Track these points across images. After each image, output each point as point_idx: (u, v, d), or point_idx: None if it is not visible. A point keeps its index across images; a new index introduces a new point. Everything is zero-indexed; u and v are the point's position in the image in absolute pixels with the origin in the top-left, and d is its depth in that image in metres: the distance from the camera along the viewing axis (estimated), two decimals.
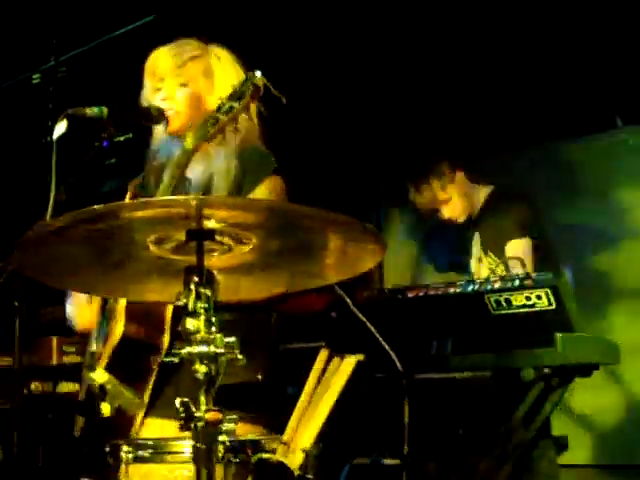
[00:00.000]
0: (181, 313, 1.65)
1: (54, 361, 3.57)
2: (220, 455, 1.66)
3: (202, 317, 1.62)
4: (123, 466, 1.83)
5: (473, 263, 3.75)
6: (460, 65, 4.41)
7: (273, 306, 2.43)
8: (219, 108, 2.09)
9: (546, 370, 2.83)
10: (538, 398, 2.92)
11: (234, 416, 1.66)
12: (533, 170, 4.60)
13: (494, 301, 2.81)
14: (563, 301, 2.74)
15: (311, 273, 1.86)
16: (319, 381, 1.92)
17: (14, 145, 4.40)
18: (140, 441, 2.02)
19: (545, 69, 4.28)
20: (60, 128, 2.29)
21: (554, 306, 2.73)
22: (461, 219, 3.77)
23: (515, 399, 2.94)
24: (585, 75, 4.22)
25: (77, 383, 2.43)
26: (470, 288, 2.90)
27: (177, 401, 1.60)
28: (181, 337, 1.63)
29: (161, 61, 2.45)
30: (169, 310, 2.19)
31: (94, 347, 2.36)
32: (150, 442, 1.92)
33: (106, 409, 2.09)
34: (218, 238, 1.65)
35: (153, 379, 2.19)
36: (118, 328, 2.21)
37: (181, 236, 1.65)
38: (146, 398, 2.19)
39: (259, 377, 2.31)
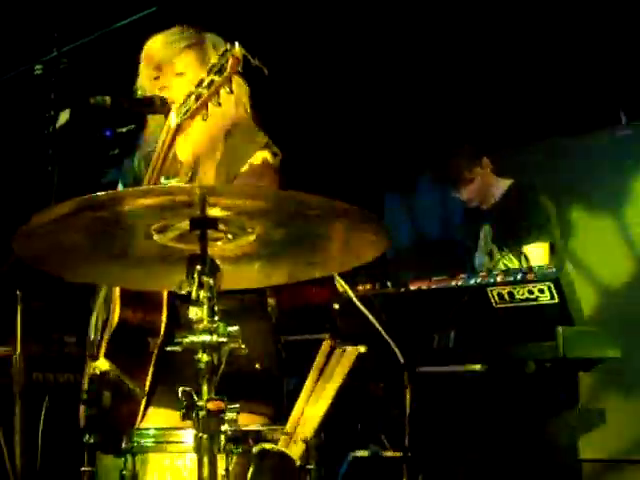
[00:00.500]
0: (176, 295, 1.63)
1: (55, 351, 3.57)
2: (222, 445, 1.65)
3: (205, 306, 1.61)
4: (125, 455, 1.83)
5: (478, 255, 3.72)
6: (463, 60, 4.40)
7: (272, 296, 2.42)
8: (200, 83, 2.08)
9: (547, 364, 2.84)
10: (539, 391, 2.92)
11: (236, 406, 1.66)
12: (534, 168, 4.60)
13: (497, 294, 2.81)
14: (565, 295, 2.74)
15: (314, 263, 1.86)
16: (321, 372, 1.92)
17: (16, 136, 4.39)
18: (142, 430, 2.02)
19: (549, 66, 4.27)
20: (63, 118, 2.29)
21: (556, 300, 2.74)
22: (474, 204, 3.75)
23: (516, 392, 2.94)
24: (589, 71, 4.21)
25: (78, 373, 2.43)
26: (473, 281, 2.90)
27: (179, 390, 1.60)
28: (178, 319, 1.62)
29: (158, 49, 2.44)
30: (164, 291, 2.18)
31: (92, 336, 2.36)
32: (152, 431, 1.92)
33: (107, 399, 2.09)
34: (222, 227, 1.65)
35: (153, 363, 2.18)
36: (115, 313, 2.20)
37: (185, 224, 1.64)
38: (147, 384, 2.18)
39: (257, 366, 2.30)
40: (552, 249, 3.50)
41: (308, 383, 1.90)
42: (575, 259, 4.33)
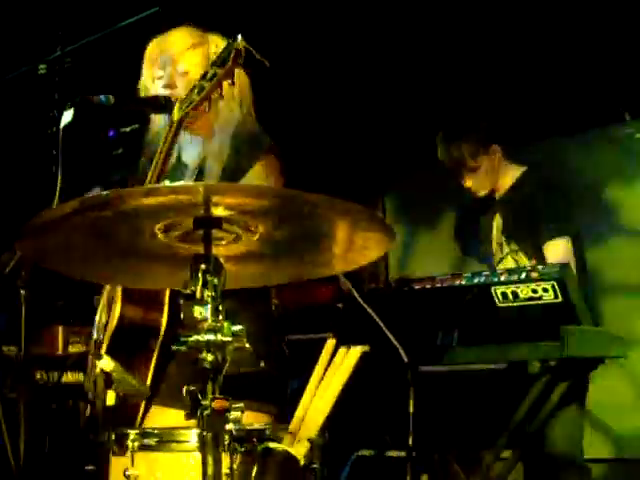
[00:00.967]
0: (178, 294, 1.64)
1: (60, 351, 3.58)
2: (226, 444, 1.66)
3: (209, 305, 1.61)
4: (129, 454, 1.83)
5: (486, 247, 3.57)
6: (465, 57, 4.40)
7: (276, 295, 2.43)
8: (204, 76, 2.09)
9: (552, 363, 2.83)
10: (543, 391, 2.91)
11: (241, 405, 1.66)
12: (539, 163, 4.59)
13: (500, 293, 2.80)
14: (569, 294, 2.74)
15: (318, 262, 1.86)
16: (325, 371, 1.92)
17: (20, 135, 4.40)
18: (147, 429, 2.02)
19: (552, 63, 4.27)
20: (67, 117, 2.29)
21: (560, 299, 2.73)
22: (481, 193, 3.52)
23: (521, 392, 2.94)
24: (593, 69, 4.21)
25: (82, 373, 2.43)
26: (476, 280, 2.89)
27: (184, 389, 1.60)
28: (179, 318, 1.62)
29: (162, 49, 2.45)
30: (166, 290, 2.18)
31: (95, 335, 2.36)
32: (156, 430, 1.92)
33: (111, 398, 2.09)
34: (226, 226, 1.65)
35: (154, 362, 2.18)
36: (116, 313, 2.21)
37: (189, 224, 1.64)
38: (148, 382, 2.18)
39: (262, 365, 2.30)
40: (577, 240, 3.31)
41: (312, 382, 1.90)
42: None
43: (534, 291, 2.77)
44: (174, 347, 1.63)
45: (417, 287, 3.02)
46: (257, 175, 2.29)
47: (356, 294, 2.72)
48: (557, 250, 3.26)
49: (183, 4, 4.18)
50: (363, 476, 3.50)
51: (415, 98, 4.65)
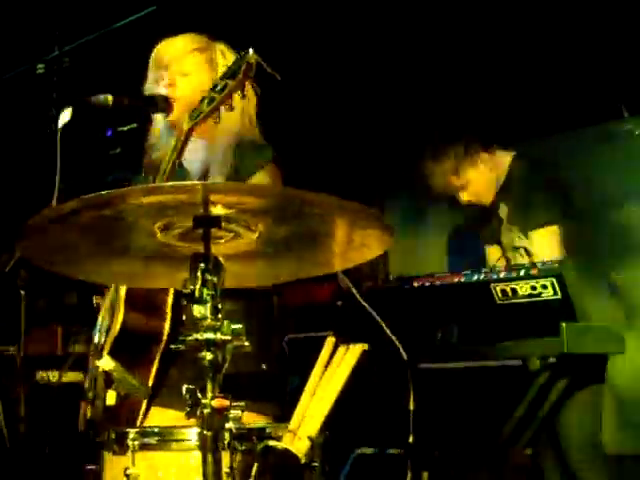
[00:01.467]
0: (181, 301, 1.64)
1: (59, 350, 3.58)
2: (226, 442, 1.66)
3: (209, 304, 1.61)
4: (129, 454, 1.83)
5: (503, 234, 3.44)
6: (465, 58, 4.40)
7: (276, 295, 2.43)
8: (214, 87, 2.09)
9: (551, 360, 2.83)
10: (543, 388, 2.92)
11: (241, 403, 1.66)
12: (537, 161, 4.59)
13: (500, 290, 2.80)
14: (569, 291, 2.73)
15: (317, 261, 1.86)
16: (325, 370, 1.92)
17: (18, 135, 4.40)
18: (147, 428, 2.02)
19: (549, 59, 4.27)
20: (65, 116, 2.29)
21: (560, 295, 2.73)
22: (487, 200, 3.43)
23: (520, 389, 2.94)
24: (590, 65, 4.21)
25: (82, 372, 2.43)
26: (475, 277, 2.89)
27: (183, 388, 1.60)
28: (181, 325, 1.63)
29: (166, 51, 2.46)
30: (169, 298, 2.19)
31: (97, 339, 2.36)
32: (156, 429, 1.92)
33: (112, 397, 2.09)
34: (225, 225, 1.65)
35: (155, 368, 2.18)
36: (119, 318, 2.21)
37: (188, 223, 1.64)
38: (149, 384, 2.18)
39: (264, 367, 2.31)
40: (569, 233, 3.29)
41: (312, 380, 1.91)
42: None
43: (533, 288, 2.77)
44: (174, 346, 1.63)
45: (416, 285, 3.02)
46: (258, 183, 2.29)
47: (355, 292, 2.72)
48: (542, 239, 3.25)
49: (180, 3, 4.19)
50: (363, 474, 3.50)
51: (416, 101, 4.65)
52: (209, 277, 1.63)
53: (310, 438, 1.83)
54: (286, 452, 1.81)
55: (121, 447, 1.86)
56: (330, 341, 1.94)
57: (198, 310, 1.61)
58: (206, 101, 2.11)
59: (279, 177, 2.37)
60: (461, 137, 3.42)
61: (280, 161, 2.38)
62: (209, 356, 1.60)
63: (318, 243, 1.78)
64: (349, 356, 1.91)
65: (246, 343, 1.63)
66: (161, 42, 2.50)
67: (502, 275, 2.84)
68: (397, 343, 2.68)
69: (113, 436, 1.88)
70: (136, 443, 1.84)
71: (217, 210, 1.61)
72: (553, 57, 4.26)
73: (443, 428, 3.21)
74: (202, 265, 1.63)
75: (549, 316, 2.74)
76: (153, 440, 1.86)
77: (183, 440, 1.84)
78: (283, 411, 2.24)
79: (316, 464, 1.85)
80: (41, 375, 3.31)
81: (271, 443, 1.81)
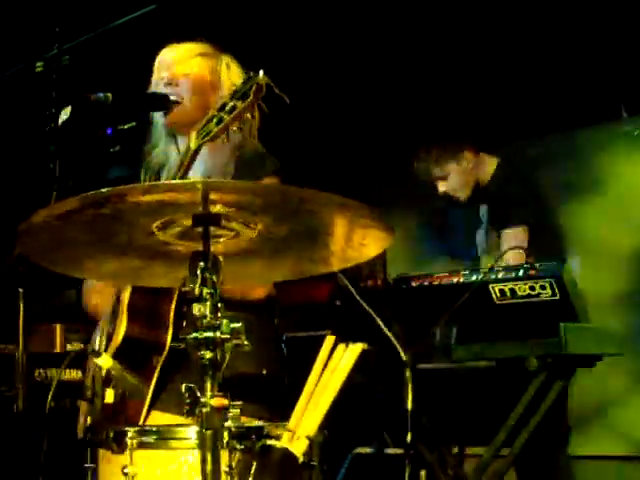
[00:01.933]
0: (184, 311, 1.64)
1: (58, 349, 3.57)
2: (225, 441, 1.66)
3: (208, 303, 1.61)
4: (128, 452, 1.83)
5: (482, 234, 3.66)
6: (464, 56, 4.40)
7: (277, 300, 2.43)
8: (222, 107, 2.08)
9: (549, 360, 2.83)
10: (541, 388, 2.92)
11: (239, 403, 1.66)
12: (535, 162, 4.59)
13: (498, 291, 2.81)
14: (567, 291, 2.74)
15: (317, 259, 1.86)
16: (324, 369, 1.92)
17: (17, 133, 4.40)
18: (145, 427, 2.02)
19: (550, 59, 4.27)
20: (64, 115, 2.29)
21: (558, 296, 2.74)
22: (462, 196, 3.64)
23: (519, 389, 2.94)
24: (589, 65, 4.21)
25: (81, 371, 2.43)
26: (474, 277, 2.90)
27: (182, 386, 1.60)
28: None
29: (171, 54, 2.47)
30: (172, 309, 2.18)
31: (97, 343, 2.36)
32: (155, 428, 1.92)
33: (110, 395, 2.09)
34: (224, 223, 1.65)
35: (156, 377, 2.18)
36: (121, 328, 2.21)
37: (187, 221, 1.64)
38: (149, 393, 2.18)
39: (264, 372, 2.31)
40: (535, 236, 3.40)
41: (311, 380, 1.90)
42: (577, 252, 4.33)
43: (532, 288, 2.78)
44: (173, 344, 1.63)
45: (415, 284, 3.02)
46: None
47: (354, 291, 2.72)
48: (516, 235, 3.37)
49: (181, 2, 4.18)
50: (362, 473, 3.50)
51: (417, 96, 4.66)
52: (208, 275, 1.62)
53: (309, 437, 1.82)
54: (285, 451, 1.80)
55: (119, 446, 1.86)
56: (329, 340, 1.93)
57: (197, 308, 1.61)
58: (215, 120, 2.08)
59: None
60: (452, 134, 3.67)
61: (282, 172, 2.37)
62: (208, 354, 1.60)
63: (317, 242, 1.77)
64: (348, 356, 1.91)
65: (245, 342, 1.63)
66: (166, 47, 2.50)
67: (501, 275, 2.84)
68: (395, 343, 2.68)
69: (111, 435, 1.88)
70: (134, 442, 1.83)
71: (216, 209, 1.61)
72: (551, 58, 4.27)
73: (441, 428, 3.21)
74: (201, 264, 1.63)
75: (547, 317, 2.75)
76: (151, 439, 1.86)
77: (182, 439, 1.84)
78: (282, 415, 2.24)
79: (314, 463, 1.84)
80: (39, 373, 3.31)
81: (270, 442, 1.81)
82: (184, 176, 2.19)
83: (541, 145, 4.64)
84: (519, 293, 2.80)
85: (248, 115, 2.06)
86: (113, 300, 2.33)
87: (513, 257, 3.30)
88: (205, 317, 1.60)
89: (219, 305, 1.62)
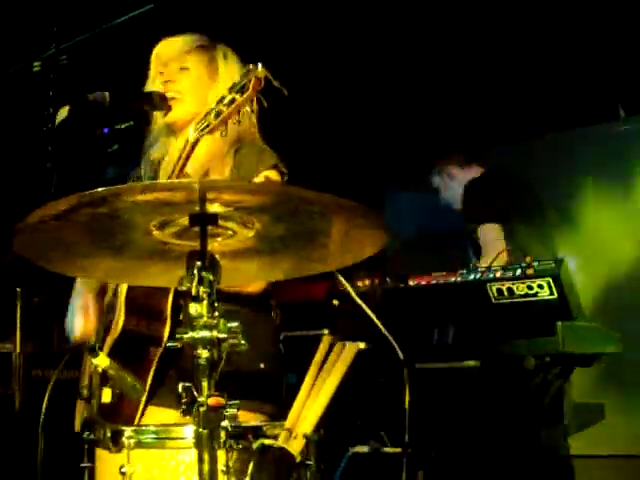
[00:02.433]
0: (180, 304, 1.64)
1: (55, 348, 3.57)
2: (222, 440, 1.65)
3: (205, 302, 1.61)
4: (125, 451, 1.83)
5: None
6: (462, 56, 4.40)
7: (274, 296, 2.43)
8: (221, 100, 2.07)
9: (547, 359, 2.84)
10: (539, 386, 2.92)
11: (236, 402, 1.66)
12: (534, 161, 4.60)
13: (496, 290, 2.81)
14: (565, 290, 2.74)
15: (314, 259, 1.86)
16: (321, 368, 1.92)
17: (15, 133, 4.40)
18: (142, 426, 2.02)
19: (547, 59, 4.27)
20: (62, 114, 2.28)
21: (556, 295, 2.74)
22: (457, 206, 3.76)
23: (516, 388, 2.95)
24: (587, 65, 4.21)
25: (78, 370, 2.43)
26: (472, 277, 2.90)
27: (179, 386, 1.60)
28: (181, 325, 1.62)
29: (167, 48, 2.45)
30: (169, 302, 2.18)
31: (93, 337, 2.36)
32: (152, 427, 1.92)
33: (107, 395, 2.09)
34: (221, 222, 1.64)
35: (153, 369, 2.18)
36: (119, 322, 2.21)
37: (184, 220, 1.64)
38: (147, 388, 2.18)
39: (262, 366, 2.31)
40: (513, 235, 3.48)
41: (308, 379, 1.90)
42: (576, 251, 4.33)
43: (529, 287, 2.78)
44: (170, 344, 1.63)
45: (412, 284, 3.02)
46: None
47: (351, 291, 2.72)
48: (489, 231, 3.45)
49: (178, 1, 4.18)
50: (359, 473, 3.50)
51: (418, 95, 4.66)
52: (205, 275, 1.62)
53: (306, 436, 1.82)
54: (281, 450, 1.80)
55: (116, 445, 1.86)
56: (326, 340, 1.94)
57: (194, 308, 1.61)
58: (213, 114, 2.08)
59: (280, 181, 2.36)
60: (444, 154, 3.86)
61: (283, 165, 2.37)
62: (205, 354, 1.60)
63: (315, 241, 1.77)
64: (345, 355, 1.91)
65: (242, 341, 1.63)
66: (162, 40, 2.49)
67: (498, 275, 2.84)
68: (393, 342, 2.68)
69: (109, 434, 1.88)
70: (132, 441, 1.84)
71: (214, 208, 1.61)
72: (549, 58, 4.27)
73: (439, 428, 3.21)
74: (198, 263, 1.63)
75: (545, 316, 2.75)
76: (149, 438, 1.86)
77: (179, 438, 1.84)
78: (280, 410, 2.24)
79: (311, 462, 1.85)
80: (37, 372, 3.31)
81: (267, 441, 1.81)
82: (182, 169, 2.18)
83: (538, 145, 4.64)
84: (517, 292, 2.80)
85: (247, 108, 2.05)
86: (110, 295, 2.33)
87: (492, 252, 3.35)
88: (202, 316, 1.60)
89: (216, 304, 1.62)
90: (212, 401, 1.59)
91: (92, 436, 1.95)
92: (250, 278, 1.99)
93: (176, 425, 1.88)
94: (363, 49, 4.44)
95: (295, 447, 1.82)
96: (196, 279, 1.62)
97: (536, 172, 4.41)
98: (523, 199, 3.68)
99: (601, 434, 4.20)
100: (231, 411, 1.65)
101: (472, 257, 3.67)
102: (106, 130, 2.61)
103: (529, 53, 4.27)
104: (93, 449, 1.97)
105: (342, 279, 2.74)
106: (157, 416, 2.21)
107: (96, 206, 1.56)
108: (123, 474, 1.82)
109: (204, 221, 1.63)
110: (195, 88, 2.39)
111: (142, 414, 2.19)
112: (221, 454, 1.66)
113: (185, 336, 1.61)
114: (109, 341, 2.22)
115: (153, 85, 2.44)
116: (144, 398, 2.17)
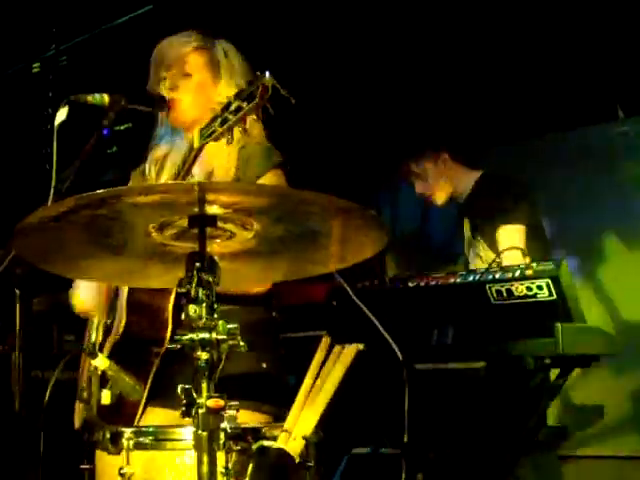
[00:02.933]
0: (182, 305, 1.64)
1: (54, 349, 3.57)
2: (221, 442, 1.66)
3: (204, 303, 1.61)
4: (124, 453, 1.83)
5: (465, 247, 3.73)
6: (459, 56, 4.40)
7: (274, 296, 2.43)
8: (227, 107, 2.06)
9: (546, 360, 2.84)
10: (538, 388, 2.92)
11: (236, 403, 1.66)
12: (534, 161, 4.59)
13: (495, 291, 2.81)
14: (564, 291, 2.74)
15: (313, 260, 1.86)
16: (320, 370, 1.92)
17: (14, 134, 4.40)
18: (142, 428, 2.02)
19: (545, 59, 4.27)
20: (61, 115, 2.29)
21: (555, 296, 2.73)
22: (439, 202, 3.70)
23: (515, 389, 2.94)
24: (586, 65, 4.21)
25: (77, 371, 2.43)
26: (471, 278, 2.89)
27: (179, 388, 1.60)
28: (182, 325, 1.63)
29: (167, 51, 2.45)
30: (170, 303, 2.18)
31: (94, 337, 2.36)
32: (151, 429, 1.92)
33: (106, 396, 2.09)
34: (221, 224, 1.65)
35: (154, 370, 2.18)
36: (121, 323, 2.21)
37: (183, 222, 1.64)
38: (146, 391, 2.18)
39: (263, 366, 2.31)
40: (533, 237, 3.43)
41: (307, 380, 1.91)
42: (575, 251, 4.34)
43: (529, 288, 2.77)
44: (169, 346, 1.63)
45: (411, 285, 3.02)
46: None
47: (350, 292, 2.72)
48: (512, 234, 3.37)
49: (176, 2, 4.19)
50: (358, 474, 3.50)
51: (410, 98, 4.66)
52: (204, 276, 1.62)
53: (305, 438, 1.83)
54: (281, 452, 1.81)
55: (116, 446, 1.86)
56: (325, 341, 1.94)
57: (193, 309, 1.61)
58: (219, 120, 2.07)
59: (284, 182, 2.35)
60: (425, 132, 3.84)
61: (288, 165, 2.36)
62: (204, 356, 1.60)
63: (314, 243, 1.78)
64: (344, 356, 1.91)
65: (241, 343, 1.63)
66: (162, 41, 2.48)
67: (497, 276, 2.84)
68: (392, 343, 2.68)
69: (108, 435, 1.88)
70: (131, 442, 1.84)
71: (213, 209, 1.61)
72: (547, 58, 4.27)
73: (438, 429, 3.21)
74: (197, 264, 1.63)
75: (544, 317, 2.74)
76: (148, 439, 1.86)
77: (178, 440, 1.84)
78: (281, 410, 2.25)
79: (311, 464, 1.85)
80: (35, 374, 3.31)
81: (266, 443, 1.81)
82: (186, 175, 2.18)
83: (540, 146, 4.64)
84: (516, 293, 2.79)
85: (254, 116, 2.05)
86: (110, 294, 2.33)
87: (511, 257, 3.31)
88: (201, 318, 1.60)
89: (215, 306, 1.62)
90: (211, 403, 1.59)
91: (91, 437, 1.95)
92: (250, 279, 1.99)
93: (175, 426, 1.88)
94: (360, 48, 4.44)
95: (294, 448, 1.82)
96: (195, 281, 1.62)
97: (536, 172, 4.41)
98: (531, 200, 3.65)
99: (601, 435, 4.20)
100: (230, 412, 1.65)
101: (471, 256, 3.65)
102: (106, 131, 2.61)
103: (528, 53, 4.27)
104: (93, 451, 1.97)
105: (341, 280, 2.75)
106: (157, 417, 2.21)
107: (96, 208, 1.56)
108: (122, 475, 1.82)
109: (203, 223, 1.64)
110: (197, 92, 2.40)
111: (142, 415, 2.19)
112: (220, 456, 1.66)
113: (184, 338, 1.61)
114: (110, 342, 2.22)
115: (156, 88, 2.43)
116: (144, 399, 2.17)
